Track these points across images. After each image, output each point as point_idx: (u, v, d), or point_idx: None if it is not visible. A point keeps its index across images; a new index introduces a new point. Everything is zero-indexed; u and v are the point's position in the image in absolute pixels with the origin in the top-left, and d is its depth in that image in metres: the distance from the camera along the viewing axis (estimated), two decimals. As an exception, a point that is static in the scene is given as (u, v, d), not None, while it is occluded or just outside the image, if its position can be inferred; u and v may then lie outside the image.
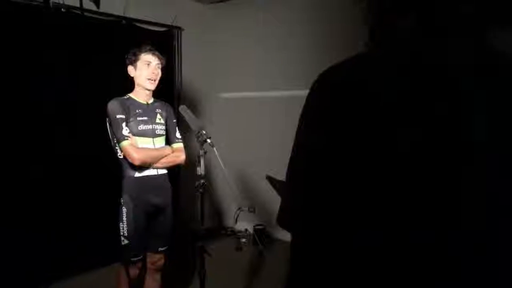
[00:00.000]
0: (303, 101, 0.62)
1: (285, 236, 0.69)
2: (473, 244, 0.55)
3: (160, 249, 2.49)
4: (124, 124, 2.26)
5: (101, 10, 2.75)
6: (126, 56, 2.40)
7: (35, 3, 2.91)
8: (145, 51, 2.37)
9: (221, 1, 4.54)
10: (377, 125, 0.55)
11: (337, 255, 0.59)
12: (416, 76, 0.56)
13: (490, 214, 0.55)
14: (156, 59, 2.39)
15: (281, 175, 0.67)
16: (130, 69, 2.39)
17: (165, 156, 2.41)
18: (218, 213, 4.78)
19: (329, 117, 0.58)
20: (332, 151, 0.57)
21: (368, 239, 0.57)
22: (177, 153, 2.48)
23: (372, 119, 0.55)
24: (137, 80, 2.40)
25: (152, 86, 2.39)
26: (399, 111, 0.55)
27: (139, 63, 2.36)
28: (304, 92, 0.63)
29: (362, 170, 0.55)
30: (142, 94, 2.40)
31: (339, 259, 0.59)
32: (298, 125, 0.62)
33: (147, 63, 2.36)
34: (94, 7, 1.90)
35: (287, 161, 0.63)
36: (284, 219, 0.63)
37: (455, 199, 0.54)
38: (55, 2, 2.84)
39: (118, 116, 2.26)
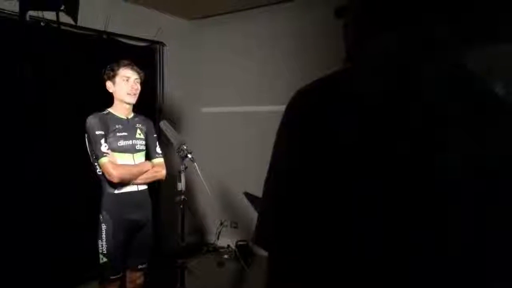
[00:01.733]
0: None
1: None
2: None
3: (140, 266, 2.45)
4: (103, 141, 2.23)
5: (83, 24, 2.73)
6: (103, 72, 2.37)
7: (14, 17, 2.88)
8: (123, 66, 2.36)
9: (204, 17, 4.57)
10: (346, 147, 0.55)
11: (312, 275, 0.59)
12: (386, 99, 0.56)
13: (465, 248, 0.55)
14: (135, 73, 2.38)
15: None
16: (109, 85, 2.37)
17: (145, 171, 2.38)
18: (199, 229, 4.72)
19: (299, 141, 0.58)
20: (303, 175, 0.57)
21: (342, 259, 0.57)
22: (157, 169, 2.45)
23: (341, 142, 0.55)
24: (116, 95, 2.38)
25: (133, 99, 2.38)
26: (368, 134, 0.55)
27: (117, 79, 2.34)
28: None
29: (333, 193, 0.55)
30: (121, 109, 2.38)
31: (314, 278, 0.59)
32: (273, 147, 0.62)
33: (126, 78, 2.35)
34: (70, 19, 1.89)
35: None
36: (259, 239, 0.63)
37: (424, 228, 0.54)
38: (33, 17, 2.81)
39: (97, 133, 2.23)
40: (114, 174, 2.22)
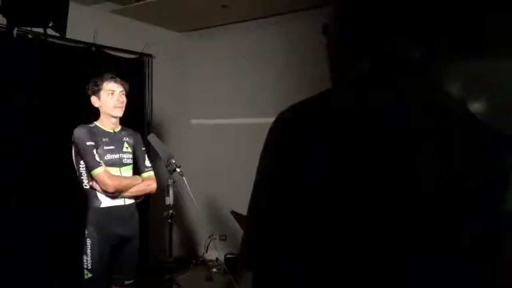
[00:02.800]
0: None
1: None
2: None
3: (127, 282, 2.40)
4: (95, 151, 2.21)
5: (71, 36, 2.71)
6: (87, 87, 2.35)
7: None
8: (107, 80, 2.33)
9: (193, 30, 4.59)
10: (333, 163, 0.57)
11: None
12: (368, 116, 0.58)
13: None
14: (120, 86, 2.36)
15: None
16: (94, 100, 2.35)
17: (136, 184, 2.36)
18: (188, 243, 4.68)
19: (288, 156, 0.59)
20: (292, 189, 0.58)
21: (329, 277, 0.58)
22: (148, 182, 2.44)
23: (328, 156, 0.57)
24: (102, 110, 2.36)
25: (120, 112, 2.36)
26: (353, 149, 0.57)
27: (102, 93, 2.32)
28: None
29: (321, 208, 0.57)
30: (108, 122, 2.36)
31: None
32: (258, 163, 0.63)
33: (111, 91, 2.33)
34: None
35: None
36: (245, 256, 0.64)
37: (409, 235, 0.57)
38: (20, 29, 2.79)
39: (88, 143, 2.21)
40: (110, 184, 2.20)
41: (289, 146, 0.59)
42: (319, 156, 0.57)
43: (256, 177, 0.63)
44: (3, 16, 1.23)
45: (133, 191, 2.35)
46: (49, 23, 1.31)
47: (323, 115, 0.60)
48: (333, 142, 0.57)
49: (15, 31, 1.35)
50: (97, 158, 2.21)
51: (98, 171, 2.19)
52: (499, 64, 1.99)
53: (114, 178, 2.25)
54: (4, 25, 1.29)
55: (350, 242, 0.56)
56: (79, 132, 2.23)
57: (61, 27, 1.39)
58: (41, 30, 1.31)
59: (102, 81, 2.33)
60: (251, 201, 0.63)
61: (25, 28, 2.65)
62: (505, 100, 2.01)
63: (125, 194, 2.32)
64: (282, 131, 0.61)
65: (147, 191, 2.43)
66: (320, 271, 0.58)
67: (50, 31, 1.40)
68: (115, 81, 2.35)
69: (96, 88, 2.32)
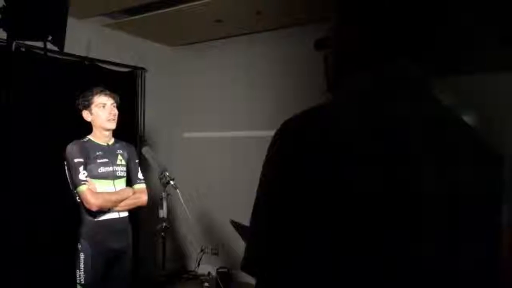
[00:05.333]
0: (268, 141, 0.64)
1: (249, 279, 0.69)
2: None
3: (119, 296, 2.38)
4: (81, 168, 2.20)
5: (64, 50, 2.71)
6: (77, 102, 2.35)
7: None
8: (97, 93, 2.34)
9: (186, 44, 4.62)
10: (334, 172, 0.58)
11: None
12: (360, 139, 0.60)
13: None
14: (110, 99, 2.36)
15: (246, 217, 0.68)
16: (85, 114, 2.34)
17: (125, 198, 2.34)
18: (180, 256, 4.64)
19: (291, 166, 0.60)
20: (294, 199, 0.59)
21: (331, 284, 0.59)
22: (139, 195, 2.42)
23: (329, 167, 0.58)
24: (95, 124, 2.35)
25: (113, 125, 2.36)
26: (352, 160, 0.58)
27: (93, 107, 2.32)
28: (270, 133, 0.65)
29: (323, 216, 0.58)
30: (101, 135, 2.36)
31: None
32: (261, 173, 0.64)
33: (102, 105, 2.33)
34: (55, 47, 1.89)
35: (252, 202, 0.64)
36: (248, 266, 0.64)
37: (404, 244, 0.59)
38: (18, 42, 2.80)
39: (76, 160, 2.20)
40: (93, 202, 2.18)
41: (292, 155, 0.60)
42: (321, 166, 0.58)
43: (259, 188, 0.64)
44: (3, 29, 1.24)
45: (124, 204, 2.33)
46: (48, 37, 1.32)
47: (325, 126, 0.61)
48: (334, 152, 0.58)
49: (13, 45, 1.36)
50: (82, 176, 2.19)
51: (81, 189, 2.18)
52: (497, 77, 2.05)
53: (99, 196, 2.22)
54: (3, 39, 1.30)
55: (352, 253, 0.57)
56: (69, 148, 2.24)
57: (59, 41, 1.40)
58: (32, 43, 1.32)
59: (93, 95, 2.33)
60: (254, 211, 0.64)
61: (20, 41, 2.66)
62: (500, 113, 2.06)
63: (116, 208, 2.31)
64: (286, 140, 0.62)
65: (138, 204, 2.41)
66: (322, 278, 0.58)
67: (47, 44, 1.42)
68: (106, 94, 2.35)
69: (86, 103, 2.32)
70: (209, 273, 4.37)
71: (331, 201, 0.57)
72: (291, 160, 0.60)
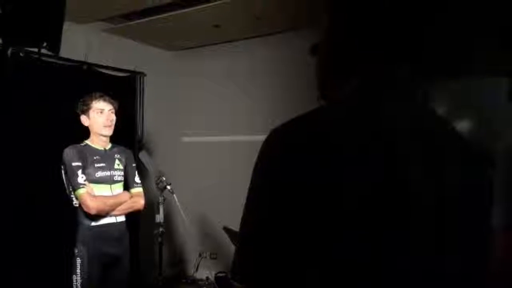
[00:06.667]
0: None
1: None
2: None
3: (116, 302, 2.37)
4: (80, 172, 2.21)
5: (62, 55, 2.73)
6: (76, 106, 2.36)
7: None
8: (96, 99, 2.35)
9: (185, 49, 4.63)
10: (323, 180, 0.58)
11: None
12: (350, 143, 0.60)
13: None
14: (109, 105, 2.38)
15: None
16: (83, 119, 2.36)
17: (123, 202, 2.35)
18: (178, 261, 4.62)
19: (277, 168, 0.60)
20: (281, 203, 0.59)
21: None
22: (136, 199, 2.43)
23: (317, 169, 0.58)
24: (92, 129, 2.36)
25: (109, 131, 2.37)
26: (340, 162, 0.58)
27: (91, 112, 2.34)
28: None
29: (311, 225, 0.58)
30: (98, 140, 2.37)
31: None
32: (250, 182, 0.64)
33: (100, 110, 2.34)
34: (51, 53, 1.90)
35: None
36: (236, 274, 0.64)
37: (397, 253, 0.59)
38: (13, 48, 2.81)
39: (74, 164, 2.21)
40: (92, 205, 2.19)
41: (278, 159, 0.60)
42: (310, 172, 0.58)
43: (247, 198, 0.63)
44: (-1, 36, 1.25)
45: (121, 208, 2.34)
46: (44, 43, 1.33)
47: (314, 131, 0.61)
48: (324, 157, 0.58)
49: (9, 51, 1.36)
50: (80, 180, 2.21)
51: (80, 192, 2.19)
52: (485, 82, 2.05)
53: (97, 200, 2.23)
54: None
55: (343, 260, 0.57)
56: (67, 152, 2.24)
57: (55, 46, 1.41)
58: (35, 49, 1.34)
59: (91, 100, 2.34)
60: (242, 220, 0.64)
61: (18, 46, 2.67)
62: (489, 118, 2.07)
63: (113, 212, 2.31)
64: (274, 147, 0.62)
65: (135, 208, 2.42)
66: (312, 285, 0.59)
67: (43, 50, 1.43)
68: (104, 100, 2.37)
69: (85, 107, 2.33)
70: (207, 277, 4.35)
71: (319, 204, 0.57)
72: (277, 163, 0.61)
